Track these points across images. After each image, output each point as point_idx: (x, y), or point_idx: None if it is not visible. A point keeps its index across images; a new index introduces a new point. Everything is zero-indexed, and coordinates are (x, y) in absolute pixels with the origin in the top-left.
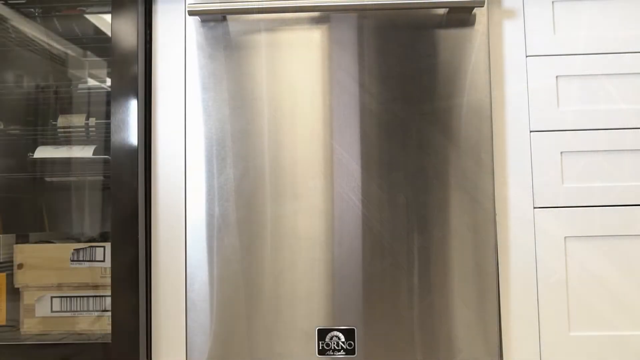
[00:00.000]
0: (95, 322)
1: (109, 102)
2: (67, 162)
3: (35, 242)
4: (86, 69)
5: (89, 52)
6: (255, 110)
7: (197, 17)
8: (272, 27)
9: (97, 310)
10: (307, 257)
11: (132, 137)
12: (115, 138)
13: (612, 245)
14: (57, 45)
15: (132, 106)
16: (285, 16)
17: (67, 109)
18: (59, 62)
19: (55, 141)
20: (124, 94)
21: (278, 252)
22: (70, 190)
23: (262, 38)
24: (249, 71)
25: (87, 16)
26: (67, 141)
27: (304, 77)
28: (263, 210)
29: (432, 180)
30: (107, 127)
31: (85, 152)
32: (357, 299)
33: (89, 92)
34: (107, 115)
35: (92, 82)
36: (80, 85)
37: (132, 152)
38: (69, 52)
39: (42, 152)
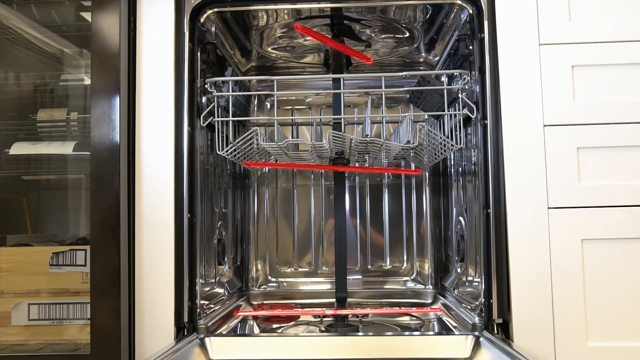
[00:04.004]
0: (76, 331)
1: None
2: (47, 159)
3: (13, 245)
4: (72, 62)
5: (71, 43)
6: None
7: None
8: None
9: (77, 319)
10: None
11: (114, 132)
12: (95, 133)
13: (634, 249)
14: (37, 35)
15: (114, 99)
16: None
17: (49, 103)
18: (39, 53)
19: (35, 137)
20: (105, 85)
21: None
22: (53, 190)
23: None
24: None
25: (68, 3)
26: (48, 137)
27: None
28: None
29: None
30: None
31: (65, 148)
32: None
33: (72, 86)
34: None
35: (75, 75)
36: (63, 77)
37: (113, 148)
38: (51, 42)
39: (19, 149)
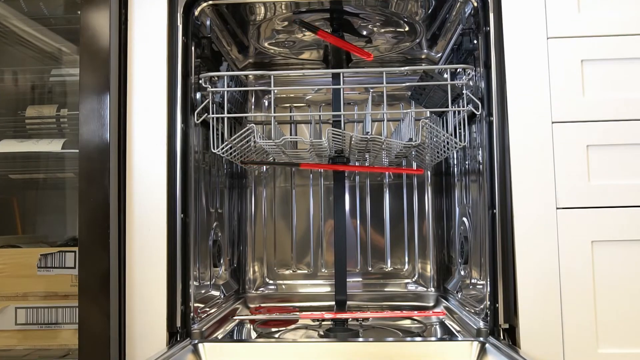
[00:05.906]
0: (70, 335)
1: None
2: (36, 157)
3: (0, 247)
4: (63, 58)
5: (61, 37)
6: None
7: None
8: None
9: (67, 323)
10: None
11: (104, 128)
12: (84, 130)
13: None
14: (26, 28)
15: (104, 94)
16: None
17: (38, 100)
18: (28, 47)
19: (24, 134)
20: (95, 80)
21: None
22: (43, 189)
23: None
24: None
25: None
26: (37, 134)
27: None
28: None
29: None
30: None
31: (53, 146)
32: None
33: (63, 82)
34: None
35: (67, 70)
36: (54, 72)
37: (103, 145)
38: (41, 36)
39: (5, 147)
